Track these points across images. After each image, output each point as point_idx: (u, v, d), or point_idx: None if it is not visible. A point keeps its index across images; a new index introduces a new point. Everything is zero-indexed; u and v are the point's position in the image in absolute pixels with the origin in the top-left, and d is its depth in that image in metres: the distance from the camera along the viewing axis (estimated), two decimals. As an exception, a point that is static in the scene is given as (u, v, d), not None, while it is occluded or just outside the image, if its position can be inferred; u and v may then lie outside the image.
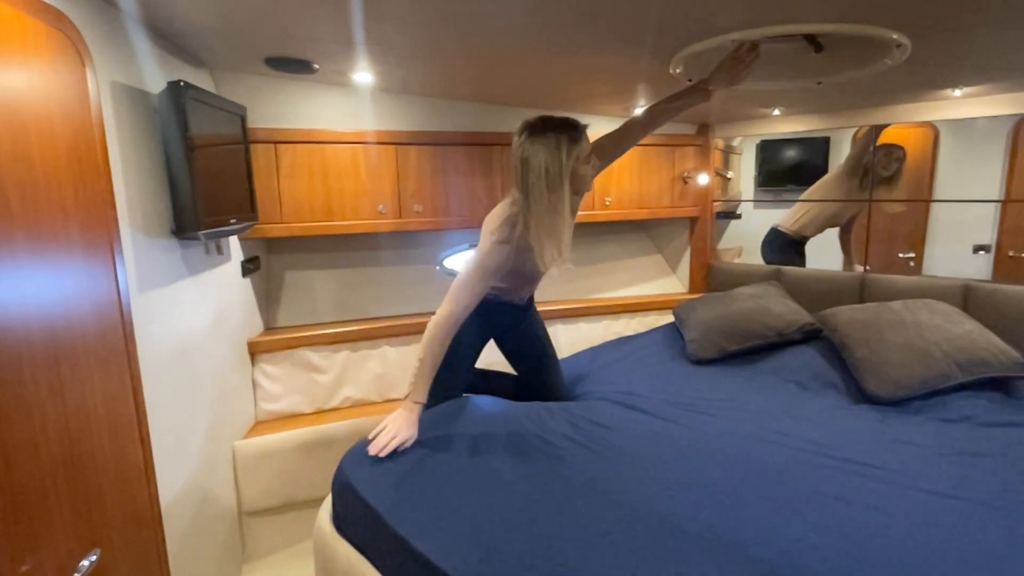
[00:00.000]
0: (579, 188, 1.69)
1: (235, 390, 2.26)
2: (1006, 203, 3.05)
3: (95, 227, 1.31)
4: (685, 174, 3.21)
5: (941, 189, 3.21)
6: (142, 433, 1.47)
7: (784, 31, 1.52)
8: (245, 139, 2.08)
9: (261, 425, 2.42)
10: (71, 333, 1.20)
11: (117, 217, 1.41)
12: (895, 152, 2.98)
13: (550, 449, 1.61)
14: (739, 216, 3.75)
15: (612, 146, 1.86)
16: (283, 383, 2.49)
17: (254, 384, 2.44)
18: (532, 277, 1.90)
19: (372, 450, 1.53)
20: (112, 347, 1.36)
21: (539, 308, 2.16)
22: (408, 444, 1.57)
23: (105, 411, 1.30)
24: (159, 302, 1.66)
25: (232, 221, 1.90)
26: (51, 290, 1.13)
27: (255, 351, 2.42)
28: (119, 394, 1.37)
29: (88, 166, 1.30)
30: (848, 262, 3.14)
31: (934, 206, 3.26)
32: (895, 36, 1.53)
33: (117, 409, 1.36)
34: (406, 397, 1.63)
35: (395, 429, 1.56)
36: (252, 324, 2.46)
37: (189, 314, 1.86)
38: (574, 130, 1.60)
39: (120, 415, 1.37)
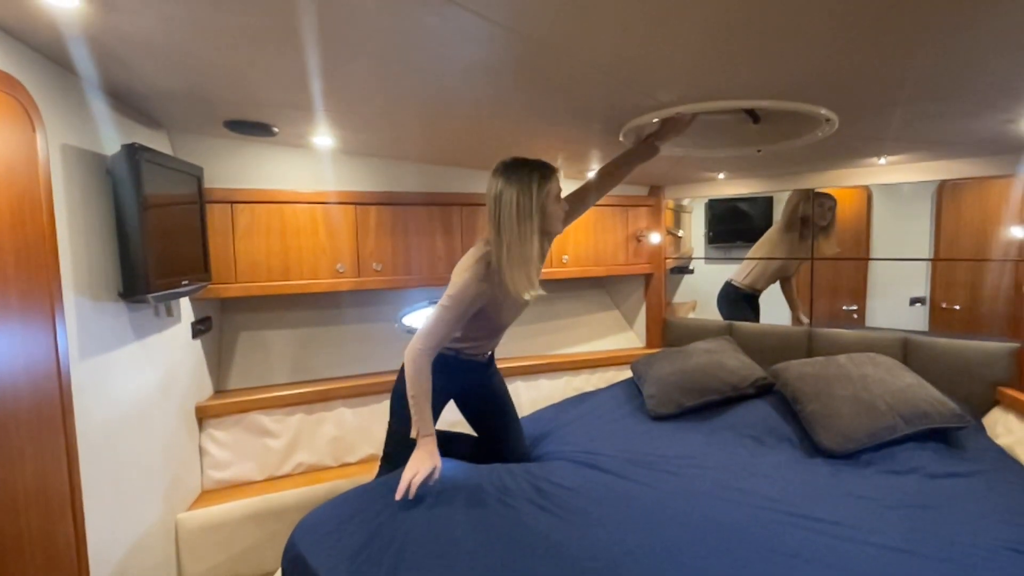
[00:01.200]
0: (549, 228, 1.73)
1: (180, 458, 2.14)
2: (936, 261, 3.27)
3: (36, 292, 1.26)
4: (638, 233, 3.33)
5: (878, 244, 3.43)
6: (75, 510, 1.38)
7: (722, 107, 1.64)
8: (201, 199, 2.06)
9: (208, 495, 2.29)
10: (2, 404, 1.13)
11: (60, 281, 1.36)
12: (827, 202, 3.20)
13: (512, 514, 1.57)
14: (692, 271, 3.89)
15: (577, 201, 1.94)
16: (232, 449, 2.38)
17: (201, 451, 2.33)
18: (498, 327, 1.90)
19: (398, 495, 1.54)
20: (47, 419, 1.29)
21: (500, 365, 2.16)
22: (436, 476, 1.60)
23: (35, 489, 1.22)
24: (102, 368, 1.59)
25: (184, 282, 1.86)
26: (-16, 361, 1.08)
27: (203, 416, 2.32)
28: (52, 469, 1.29)
29: (32, 230, 1.26)
30: (794, 313, 3.28)
31: (873, 261, 3.47)
32: (823, 112, 1.66)
33: (49, 486, 1.27)
34: (417, 436, 1.65)
35: (414, 468, 1.58)
36: (201, 387, 2.37)
37: (134, 380, 1.78)
38: (546, 168, 1.69)
39: (52, 492, 1.28)
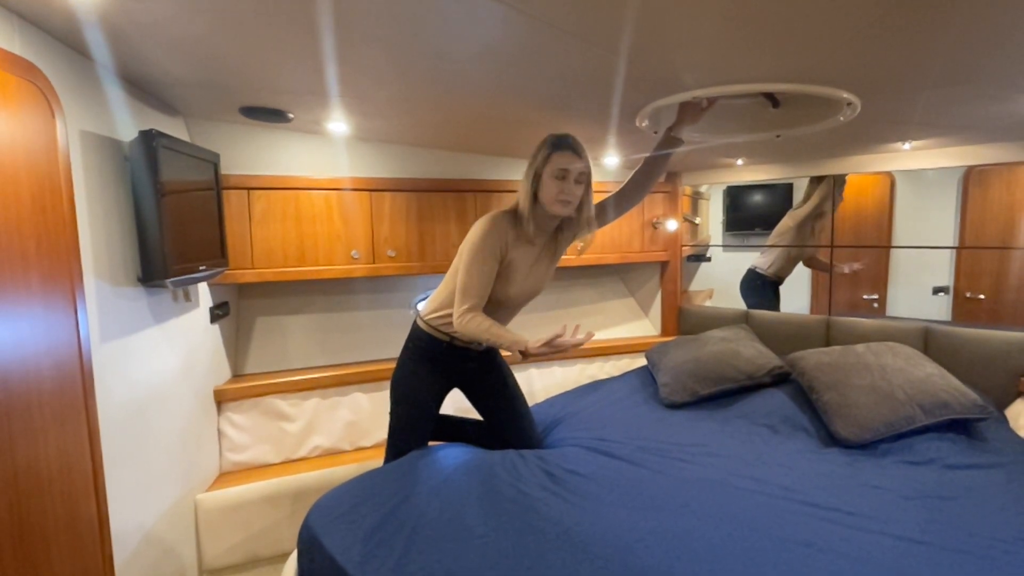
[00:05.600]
0: (543, 199, 1.72)
1: (199, 441, 2.18)
2: (961, 249, 3.20)
3: (57, 277, 1.29)
4: (655, 220, 3.29)
5: (900, 232, 3.37)
6: (98, 490, 1.41)
7: (743, 90, 1.60)
8: (217, 186, 2.08)
9: (226, 476, 2.33)
10: (26, 387, 1.16)
11: (81, 266, 1.39)
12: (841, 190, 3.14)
13: (524, 500, 1.58)
14: (709, 259, 3.85)
15: (612, 206, 1.99)
16: (250, 432, 2.42)
17: (219, 434, 2.37)
18: (497, 303, 1.83)
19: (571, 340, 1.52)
20: (70, 400, 1.32)
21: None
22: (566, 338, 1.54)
23: (59, 468, 1.25)
24: (122, 352, 1.62)
25: (201, 268, 1.88)
26: (6, 342, 1.10)
27: (221, 399, 2.36)
28: (75, 450, 1.32)
29: (53, 216, 1.28)
30: (829, 268, 3.24)
31: (895, 249, 3.40)
32: (845, 95, 1.62)
33: (72, 466, 1.30)
34: (516, 352, 1.61)
35: (539, 350, 1.55)
36: (219, 371, 2.41)
37: (154, 363, 1.81)
38: (561, 142, 1.70)
39: (75, 472, 1.31)
